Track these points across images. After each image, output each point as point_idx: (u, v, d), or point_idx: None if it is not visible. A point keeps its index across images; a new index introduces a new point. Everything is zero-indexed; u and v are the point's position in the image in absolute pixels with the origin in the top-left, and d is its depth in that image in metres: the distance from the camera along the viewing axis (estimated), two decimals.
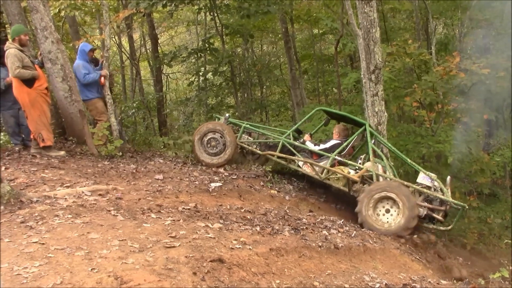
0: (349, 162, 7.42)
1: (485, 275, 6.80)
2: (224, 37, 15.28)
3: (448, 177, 7.23)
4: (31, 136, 7.26)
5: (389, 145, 7.87)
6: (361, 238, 5.75)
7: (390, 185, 6.80)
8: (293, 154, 7.69)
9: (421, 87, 10.07)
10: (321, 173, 7.45)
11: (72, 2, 10.75)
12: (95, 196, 5.22)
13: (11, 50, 6.94)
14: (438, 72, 9.88)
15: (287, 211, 6.36)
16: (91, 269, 3.19)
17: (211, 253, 3.76)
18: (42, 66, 7.83)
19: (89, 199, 5.04)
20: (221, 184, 6.68)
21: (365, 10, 8.24)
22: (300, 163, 7.68)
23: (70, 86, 7.69)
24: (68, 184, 5.61)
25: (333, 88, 17.45)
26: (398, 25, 16.49)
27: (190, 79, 16.90)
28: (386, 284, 4.18)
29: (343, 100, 15.11)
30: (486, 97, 10.75)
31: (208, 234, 4.35)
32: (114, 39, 17.49)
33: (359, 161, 7.48)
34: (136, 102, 15.34)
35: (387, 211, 6.73)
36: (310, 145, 7.82)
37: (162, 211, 4.94)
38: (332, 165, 7.42)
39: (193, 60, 16.38)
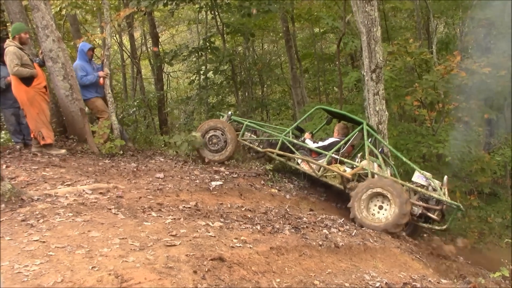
0: (346, 160, 7.45)
1: (485, 274, 6.81)
2: (225, 35, 15.28)
3: (445, 177, 7.23)
4: (31, 135, 7.27)
5: (385, 143, 7.87)
6: (362, 237, 5.76)
7: (374, 182, 6.81)
8: (293, 152, 7.75)
9: (422, 86, 10.08)
10: (318, 171, 7.52)
11: (73, 0, 10.76)
12: (96, 194, 5.23)
13: (10, 48, 6.94)
14: (439, 71, 9.89)
15: (288, 210, 6.36)
16: (92, 268, 3.19)
17: (211, 252, 3.76)
18: (43, 64, 7.83)
19: (90, 198, 5.05)
20: (221, 182, 6.68)
21: (366, 9, 8.25)
22: (299, 161, 7.77)
23: (71, 84, 7.69)
24: (69, 183, 5.62)
25: (334, 87, 17.46)
26: (399, 24, 16.50)
27: (191, 78, 16.89)
28: (386, 283, 4.19)
29: (344, 99, 15.12)
30: (487, 96, 10.76)
31: (209, 232, 4.35)
32: (115, 37, 17.49)
33: (358, 160, 7.50)
34: (137, 101, 15.33)
35: (380, 207, 6.73)
36: (309, 143, 7.88)
37: (162, 210, 4.94)
38: (329, 163, 7.45)
39: (194, 59, 16.37)
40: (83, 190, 5.30)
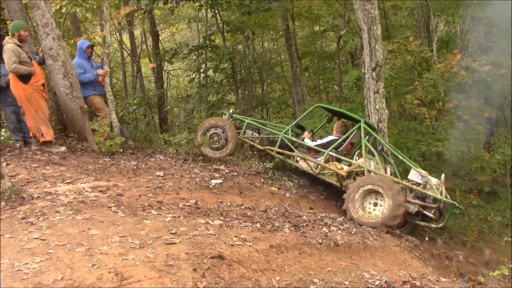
0: (343, 158, 7.48)
1: (485, 272, 6.81)
2: (225, 34, 15.27)
3: (442, 175, 7.24)
4: (31, 133, 7.26)
5: (384, 141, 7.87)
6: (361, 236, 5.76)
7: (363, 180, 6.84)
8: (292, 150, 7.82)
9: (422, 85, 10.07)
10: (316, 169, 7.60)
11: None
12: (95, 192, 5.23)
13: (8, 45, 6.93)
14: (439, 69, 9.88)
15: (288, 208, 6.36)
16: (92, 265, 3.20)
17: (211, 250, 3.77)
18: (43, 62, 7.83)
19: (90, 196, 5.05)
20: (221, 181, 6.68)
21: (367, 8, 8.24)
22: (298, 159, 7.85)
23: (71, 82, 7.69)
24: (69, 181, 5.62)
25: (334, 86, 17.46)
26: (399, 23, 16.47)
27: (191, 76, 16.90)
28: (386, 281, 4.19)
29: (344, 97, 15.11)
30: (487, 95, 10.75)
31: (209, 230, 4.36)
32: (115, 36, 17.48)
33: (355, 158, 7.52)
34: (137, 99, 15.33)
35: (375, 204, 6.74)
36: (307, 141, 7.94)
37: (162, 208, 4.95)
38: (327, 161, 7.50)
39: (194, 57, 16.38)
40: (83, 188, 5.30)
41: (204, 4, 13.98)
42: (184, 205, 5.25)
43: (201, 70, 15.55)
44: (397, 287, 4.09)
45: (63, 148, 7.29)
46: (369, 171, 7.06)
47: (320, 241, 4.94)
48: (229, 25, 14.77)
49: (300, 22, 16.93)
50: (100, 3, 11.11)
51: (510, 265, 6.69)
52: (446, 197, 6.98)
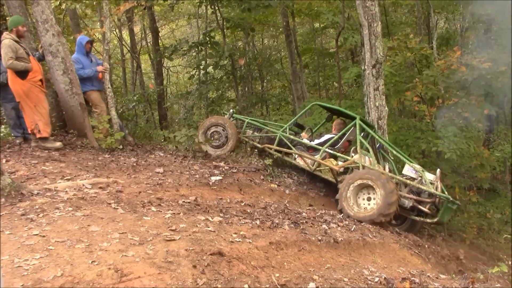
0: (339, 154, 7.54)
1: (484, 269, 6.83)
2: (225, 30, 15.24)
3: (438, 170, 7.26)
4: (29, 130, 7.25)
5: (377, 137, 7.87)
6: (361, 232, 5.77)
7: (351, 177, 6.89)
8: (290, 148, 7.95)
9: (422, 82, 10.07)
10: (312, 166, 7.71)
11: None
12: (95, 189, 5.23)
13: (5, 40, 6.90)
14: (439, 66, 9.88)
15: (287, 205, 6.37)
16: (92, 262, 3.20)
17: (211, 247, 3.77)
18: (42, 59, 7.82)
19: (89, 192, 5.05)
20: (221, 177, 6.68)
21: (367, 4, 8.24)
22: (295, 156, 7.98)
23: (70, 79, 7.68)
24: (69, 177, 5.62)
25: (334, 82, 17.45)
26: (399, 20, 16.45)
27: (191, 73, 16.87)
28: (385, 278, 4.20)
29: (343, 94, 15.12)
30: (486, 92, 10.75)
31: (208, 227, 4.36)
32: (114, 32, 17.47)
33: (352, 154, 7.55)
34: (137, 96, 15.31)
35: (369, 199, 6.76)
36: (305, 140, 8.09)
37: (162, 205, 4.95)
38: (324, 158, 7.57)
39: (194, 54, 16.34)
40: (83, 185, 5.30)
41: (204, 1, 13.96)
42: (183, 201, 5.26)
43: (201, 67, 15.52)
44: (396, 284, 4.09)
45: (58, 144, 7.23)
46: (364, 167, 7.09)
47: (319, 238, 4.94)
48: (229, 21, 14.76)
49: (300, 19, 16.91)
50: None
51: (509, 262, 6.71)
52: (443, 192, 7.00)
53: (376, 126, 8.38)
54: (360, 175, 6.81)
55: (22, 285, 2.83)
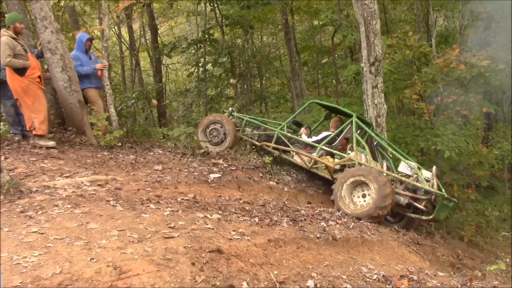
0: (335, 152, 7.57)
1: (482, 267, 6.85)
2: (224, 28, 15.23)
3: (434, 167, 7.28)
4: (28, 127, 7.24)
5: (374, 135, 7.87)
6: (359, 230, 5.78)
7: (343, 176, 6.91)
8: (287, 146, 8.00)
9: (421, 79, 10.07)
10: (309, 163, 7.79)
11: None
12: (94, 186, 5.23)
13: (3, 38, 6.87)
14: (438, 64, 9.87)
15: (286, 202, 6.38)
16: (90, 259, 3.20)
17: (209, 244, 3.78)
18: (41, 56, 7.81)
19: (88, 189, 5.05)
20: (220, 175, 6.69)
21: (366, 2, 8.23)
22: (293, 153, 8.07)
23: (69, 76, 7.67)
24: (68, 174, 5.62)
25: (333, 80, 17.44)
26: (398, 17, 16.44)
27: (190, 70, 16.87)
28: (383, 275, 4.21)
29: (342, 92, 15.13)
30: (485, 90, 10.76)
31: (207, 225, 4.37)
32: (113, 29, 17.43)
33: (348, 152, 7.58)
34: (136, 93, 15.31)
35: (364, 196, 6.78)
36: (304, 137, 8.12)
37: (161, 202, 4.95)
38: (321, 156, 7.62)
39: (193, 51, 16.34)
40: (82, 182, 5.30)
41: None
42: (182, 199, 5.26)
43: (200, 64, 15.53)
44: (394, 281, 4.10)
45: (51, 143, 7.17)
46: (360, 164, 7.11)
47: (318, 235, 4.95)
48: (228, 19, 14.75)
49: (299, 16, 16.90)
50: None
51: (507, 260, 6.73)
52: (440, 189, 7.01)
53: (374, 124, 8.39)
54: (352, 172, 6.84)
55: (21, 282, 2.83)
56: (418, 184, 6.92)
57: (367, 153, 7.41)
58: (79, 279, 2.94)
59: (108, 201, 4.66)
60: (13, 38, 6.96)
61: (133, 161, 6.82)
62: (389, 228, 6.65)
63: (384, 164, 7.65)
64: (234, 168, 7.35)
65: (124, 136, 8.34)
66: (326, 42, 19.36)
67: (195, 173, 6.57)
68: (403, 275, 4.44)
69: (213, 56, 14.90)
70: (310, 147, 7.99)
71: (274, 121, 9.33)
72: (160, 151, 7.90)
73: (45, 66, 8.02)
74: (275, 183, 7.38)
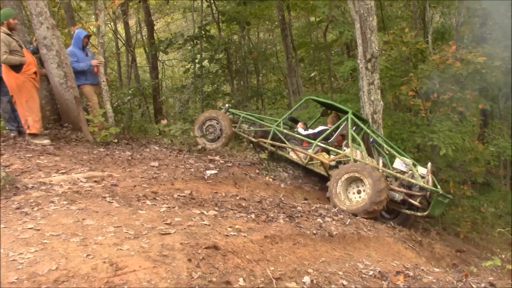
0: (331, 148, 7.58)
1: (478, 263, 6.87)
2: (220, 24, 15.20)
3: (429, 164, 7.31)
4: (23, 124, 7.21)
5: (369, 131, 7.87)
6: (355, 226, 5.79)
7: (337, 172, 6.93)
8: (284, 142, 8.03)
9: (417, 76, 10.08)
10: (305, 160, 7.81)
11: None
12: (90, 182, 5.22)
13: None
14: (434, 61, 9.88)
15: (282, 198, 6.38)
16: (86, 255, 3.20)
17: (206, 240, 3.78)
18: (37, 52, 7.78)
19: (84, 186, 5.04)
20: (216, 171, 6.69)
21: None
22: (289, 150, 8.07)
23: (65, 72, 7.64)
24: (64, 171, 5.61)
25: (330, 77, 17.46)
26: (395, 14, 16.45)
27: (186, 66, 16.85)
28: (379, 271, 4.22)
29: (339, 88, 15.13)
30: (481, 86, 10.78)
31: (203, 221, 4.37)
32: (109, 25, 17.38)
33: (344, 148, 7.59)
34: (132, 89, 15.28)
35: (359, 192, 6.80)
36: (301, 130, 8.13)
37: (157, 198, 4.95)
38: (317, 152, 7.63)
39: (189, 47, 16.32)
40: (78, 178, 5.29)
41: None
42: (179, 195, 5.25)
43: (196, 61, 15.51)
44: (390, 277, 4.11)
45: (46, 141, 7.13)
46: (354, 161, 7.12)
47: (314, 231, 4.96)
48: (224, 15, 14.72)
49: (296, 12, 16.88)
50: None
51: (503, 256, 6.75)
52: (436, 186, 7.03)
53: (371, 120, 8.40)
54: (346, 169, 6.86)
55: (17, 279, 2.82)
56: (412, 181, 6.94)
57: (362, 149, 7.43)
58: (75, 275, 2.94)
59: (104, 197, 4.65)
60: (8, 34, 6.92)
61: (130, 158, 6.81)
62: (385, 225, 6.67)
63: (380, 161, 7.68)
64: (230, 164, 7.34)
65: (120, 132, 8.34)
66: (323, 38, 19.36)
67: (192, 170, 6.56)
68: (399, 271, 4.46)
69: (209, 52, 14.88)
70: (306, 143, 7.99)
71: (271, 118, 9.34)
72: (157, 148, 7.89)
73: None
74: (271, 180, 7.38)
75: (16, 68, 6.93)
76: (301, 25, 18.92)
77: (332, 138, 7.86)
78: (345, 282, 3.82)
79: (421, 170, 7.19)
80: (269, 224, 4.84)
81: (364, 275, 4.11)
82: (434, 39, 13.55)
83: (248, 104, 16.42)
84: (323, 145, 7.65)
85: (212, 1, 14.05)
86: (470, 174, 11.73)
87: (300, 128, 8.29)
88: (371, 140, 8.04)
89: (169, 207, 4.64)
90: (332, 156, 7.58)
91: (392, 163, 7.60)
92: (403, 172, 7.17)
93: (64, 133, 7.94)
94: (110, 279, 2.97)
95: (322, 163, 7.50)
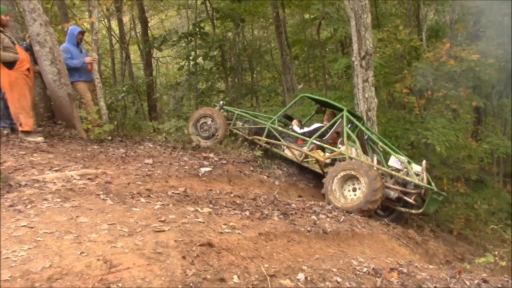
0: (326, 146, 7.59)
1: (471, 259, 6.91)
2: (214, 21, 15.17)
3: (424, 161, 7.34)
4: (14, 121, 7.16)
5: (364, 129, 7.90)
6: (350, 223, 5.80)
7: (334, 170, 6.95)
8: (278, 139, 8.04)
9: (411, 74, 10.10)
10: (300, 157, 7.84)
11: None
12: (84, 180, 5.20)
13: None
14: (428, 58, 9.91)
15: (277, 196, 6.39)
16: (80, 253, 3.19)
17: (200, 237, 3.77)
18: (30, 48, 7.73)
19: (78, 183, 5.02)
20: (210, 169, 6.68)
21: None
22: (284, 147, 8.11)
23: (59, 69, 7.60)
24: (57, 168, 5.58)
25: (324, 74, 17.49)
26: (389, 11, 16.47)
27: (180, 64, 16.81)
28: (373, 268, 4.23)
29: (333, 86, 15.14)
30: (475, 84, 10.82)
31: (198, 218, 4.36)
32: (103, 22, 17.30)
33: (339, 146, 7.61)
34: (126, 86, 15.22)
35: (354, 189, 6.82)
36: (296, 128, 8.12)
37: (151, 196, 4.94)
38: (312, 149, 7.65)
39: (184, 44, 16.29)
40: (71, 176, 5.27)
41: None
42: (173, 193, 5.25)
43: (191, 58, 15.47)
44: (384, 274, 4.13)
45: (39, 138, 7.08)
46: (350, 158, 7.14)
47: (308, 228, 4.97)
48: (218, 12, 14.69)
49: (290, 9, 16.88)
50: None
51: (496, 252, 6.78)
52: (430, 183, 7.06)
53: (365, 118, 8.42)
54: (342, 166, 6.86)
55: (10, 277, 2.81)
56: (408, 178, 6.96)
57: (357, 147, 7.44)
58: (69, 273, 2.93)
59: (98, 195, 4.63)
60: (0, 31, 6.87)
61: (123, 155, 6.79)
62: (379, 222, 6.69)
63: (375, 158, 7.69)
64: (225, 162, 7.34)
65: (114, 129, 8.31)
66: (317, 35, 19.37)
67: (186, 167, 6.55)
68: (393, 268, 4.47)
69: (204, 49, 14.85)
70: (301, 140, 7.99)
71: (265, 115, 9.34)
72: (151, 145, 7.87)
73: None
74: (266, 177, 7.38)
75: (9, 65, 6.87)
76: (296, 22, 18.91)
77: (327, 135, 7.87)
78: (339, 279, 3.83)
79: (416, 167, 7.22)
80: (264, 221, 4.84)
81: (358, 272, 4.12)
82: (428, 37, 13.58)
83: (243, 102, 16.41)
84: (318, 143, 7.66)
85: None
86: (463, 171, 11.79)
87: (295, 126, 8.28)
88: (365, 137, 8.06)
89: (163, 204, 4.63)
90: (327, 154, 7.59)
91: (386, 160, 7.62)
92: (398, 170, 7.19)
93: (57, 131, 7.89)
94: (104, 276, 2.96)
95: (317, 161, 7.50)
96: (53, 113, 8.38)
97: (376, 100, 8.69)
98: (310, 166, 7.83)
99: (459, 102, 10.44)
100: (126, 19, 19.48)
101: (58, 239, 3.39)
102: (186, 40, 15.10)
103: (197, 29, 14.38)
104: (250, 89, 17.62)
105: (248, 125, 8.64)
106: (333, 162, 7.52)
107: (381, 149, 8.07)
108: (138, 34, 18.64)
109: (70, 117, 7.75)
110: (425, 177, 7.07)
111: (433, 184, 7.12)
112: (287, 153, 8.04)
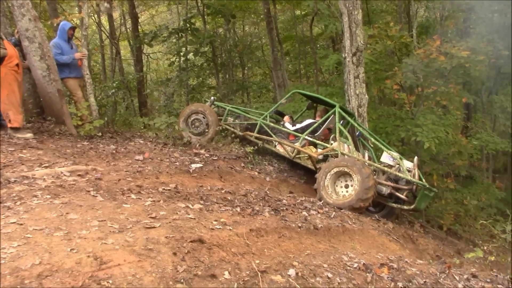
0: (318, 142, 7.60)
1: (460, 254, 6.97)
2: (205, 17, 15.12)
3: (415, 157, 7.38)
4: (4, 117, 7.10)
5: (356, 125, 7.92)
6: (340, 219, 5.82)
7: (327, 166, 6.96)
8: (270, 135, 8.03)
9: (402, 70, 10.14)
10: (292, 153, 7.84)
11: None
12: (74, 176, 5.17)
13: None
14: (418, 55, 9.95)
15: (268, 192, 6.39)
16: (70, 250, 3.17)
17: (191, 234, 3.77)
18: (18, 44, 7.65)
19: (68, 180, 4.99)
20: (201, 165, 6.67)
21: None
22: (275, 143, 8.10)
23: (48, 65, 7.54)
24: (47, 165, 5.54)
25: (315, 70, 17.51)
26: (380, 8, 16.51)
27: (171, 59, 16.75)
28: (364, 263, 4.25)
29: (324, 82, 15.17)
30: (465, 80, 10.89)
31: (189, 214, 4.35)
32: (93, 17, 17.18)
33: (331, 142, 7.63)
34: (116, 82, 15.14)
35: (346, 186, 6.84)
36: (287, 125, 8.10)
37: (142, 192, 4.92)
38: (304, 145, 7.66)
39: (174, 40, 16.22)
40: (61, 172, 5.23)
41: None
42: (164, 189, 5.23)
43: (181, 54, 15.42)
44: (375, 269, 4.15)
45: (29, 135, 7.02)
46: (342, 154, 7.16)
47: (299, 224, 4.98)
48: (209, 8, 14.65)
49: (281, 6, 16.87)
50: None
51: (485, 247, 6.85)
52: (421, 179, 7.10)
53: (356, 114, 8.44)
54: (336, 163, 6.87)
55: None
56: (400, 174, 7.00)
57: (349, 143, 7.46)
58: (59, 269, 2.91)
59: (89, 191, 4.61)
60: None
61: (114, 151, 6.76)
62: (370, 218, 6.72)
63: (366, 154, 7.73)
64: (216, 158, 7.33)
65: (104, 126, 8.27)
66: (308, 32, 19.37)
67: (177, 163, 6.54)
68: (383, 263, 4.49)
69: (194, 45, 14.81)
70: (293, 136, 8.00)
71: (256, 111, 9.34)
72: (141, 141, 7.84)
73: None
74: (257, 173, 7.39)
75: None
76: (287, 19, 18.91)
77: (319, 131, 7.88)
78: (330, 275, 3.84)
79: (407, 164, 7.25)
80: (255, 217, 4.85)
81: (348, 268, 4.14)
82: (419, 33, 13.62)
83: (234, 98, 16.39)
84: (310, 139, 7.67)
85: None
86: (453, 167, 11.86)
87: (286, 123, 8.29)
88: (357, 133, 8.08)
89: (154, 200, 4.62)
90: (319, 150, 7.61)
91: (377, 156, 7.65)
92: (390, 166, 7.23)
93: (47, 127, 7.84)
94: (95, 273, 2.94)
95: (310, 157, 7.51)
96: (43, 109, 8.32)
97: (366, 96, 8.72)
98: (302, 162, 7.85)
99: (449, 99, 10.50)
100: (116, 14, 19.36)
101: (48, 236, 3.37)
102: (176, 36, 15.04)
103: (188, 25, 14.33)
104: (241, 85, 17.61)
105: (239, 121, 8.63)
106: (325, 158, 7.53)
107: (372, 145, 8.10)
108: (128, 30, 18.55)
109: (59, 113, 7.69)
110: (416, 173, 7.11)
111: (423, 180, 7.16)
112: (279, 149, 8.04)
